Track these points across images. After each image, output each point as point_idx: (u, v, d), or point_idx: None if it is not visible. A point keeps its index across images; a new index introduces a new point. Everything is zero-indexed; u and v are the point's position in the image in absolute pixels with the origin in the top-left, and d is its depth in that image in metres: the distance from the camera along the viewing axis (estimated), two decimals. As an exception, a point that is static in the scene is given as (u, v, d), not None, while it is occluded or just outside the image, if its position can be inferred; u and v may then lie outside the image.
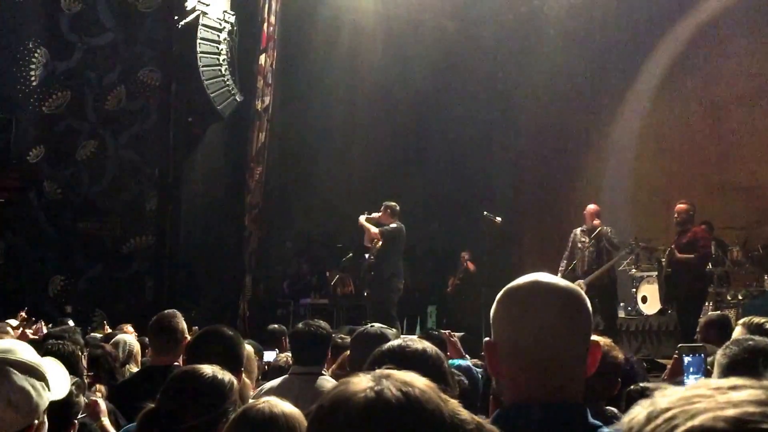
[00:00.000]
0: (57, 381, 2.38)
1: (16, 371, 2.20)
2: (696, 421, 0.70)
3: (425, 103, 16.13)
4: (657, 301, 11.99)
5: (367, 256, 12.08)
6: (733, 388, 0.73)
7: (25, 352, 2.29)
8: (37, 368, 2.26)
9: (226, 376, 2.74)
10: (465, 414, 1.22)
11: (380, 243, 11.63)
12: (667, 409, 0.73)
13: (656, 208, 14.51)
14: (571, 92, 15.48)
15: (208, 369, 2.74)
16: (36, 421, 2.24)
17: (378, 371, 1.24)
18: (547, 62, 15.14)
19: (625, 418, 0.79)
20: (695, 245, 10.60)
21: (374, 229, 11.67)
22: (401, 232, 11.72)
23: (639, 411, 0.77)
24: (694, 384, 0.77)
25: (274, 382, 4.76)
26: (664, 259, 11.10)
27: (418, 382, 1.21)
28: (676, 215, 10.81)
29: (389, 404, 1.16)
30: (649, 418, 0.75)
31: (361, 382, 1.20)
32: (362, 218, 11.87)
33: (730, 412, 0.69)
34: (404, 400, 1.17)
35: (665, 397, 0.76)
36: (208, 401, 2.63)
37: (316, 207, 15.35)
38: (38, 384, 2.23)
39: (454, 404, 1.23)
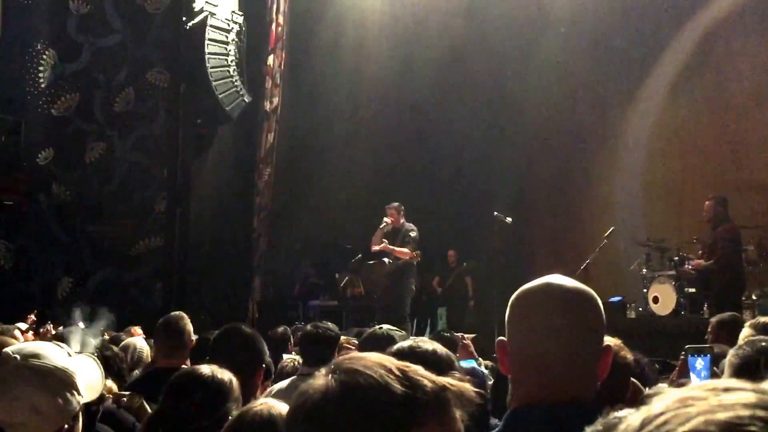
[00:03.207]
0: (89, 381, 2.37)
1: (42, 378, 2.19)
2: (687, 426, 0.70)
3: (431, 103, 16.08)
4: (669, 301, 11.92)
5: (386, 261, 12.04)
6: (726, 390, 0.73)
7: (55, 356, 2.27)
8: (65, 374, 2.25)
9: (225, 374, 2.74)
10: (426, 379, 1.22)
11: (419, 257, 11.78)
12: (661, 414, 0.73)
13: (669, 207, 14.43)
14: (581, 91, 15.42)
15: (206, 369, 2.74)
16: (65, 426, 2.23)
17: (333, 362, 1.27)
18: (556, 61, 15.07)
19: (621, 425, 0.79)
20: (715, 249, 10.67)
21: (407, 251, 11.69)
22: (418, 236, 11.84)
23: (635, 417, 0.77)
24: (691, 386, 0.77)
25: (282, 384, 4.77)
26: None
27: (365, 365, 1.23)
28: (704, 213, 10.94)
29: (331, 401, 1.19)
30: (643, 424, 0.75)
31: (315, 382, 1.24)
32: (388, 246, 11.82)
33: (722, 415, 0.70)
34: (342, 392, 1.19)
35: (661, 401, 0.75)
36: (211, 401, 2.63)
37: (323, 208, 15.32)
38: (66, 391, 2.23)
39: (414, 371, 1.23)
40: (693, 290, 11.91)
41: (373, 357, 1.26)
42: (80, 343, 4.85)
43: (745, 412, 0.69)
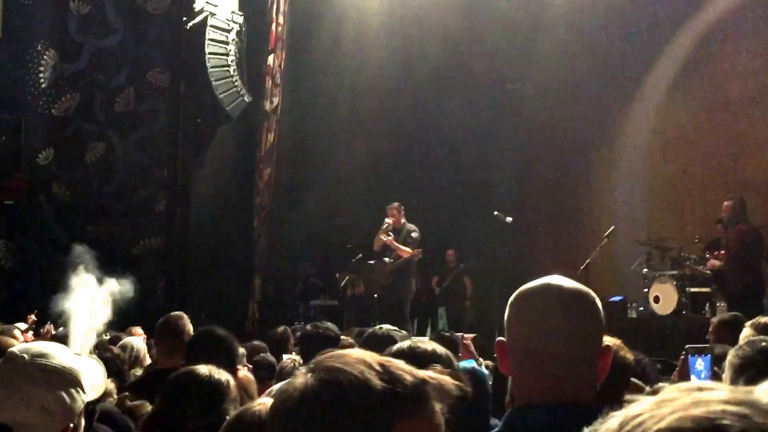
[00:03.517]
0: (93, 381, 2.38)
1: (50, 377, 2.20)
2: (663, 424, 0.74)
3: (431, 102, 16.07)
4: (670, 301, 11.92)
5: (387, 260, 12.02)
6: (699, 389, 0.77)
7: (60, 355, 2.29)
8: (71, 373, 2.26)
9: (222, 375, 2.73)
10: (406, 373, 1.22)
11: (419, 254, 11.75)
12: (638, 415, 0.77)
13: (669, 206, 14.42)
14: (580, 90, 15.39)
15: (204, 369, 2.73)
16: (71, 425, 2.24)
17: (312, 361, 1.27)
18: (555, 59, 15.05)
19: (601, 429, 0.82)
20: (730, 249, 10.73)
21: (409, 250, 11.68)
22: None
23: (614, 420, 0.80)
24: (667, 389, 0.80)
25: (282, 384, 4.75)
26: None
27: (345, 362, 1.23)
28: (722, 213, 11.02)
29: (312, 398, 1.19)
30: (621, 425, 0.78)
31: (294, 381, 1.24)
32: (393, 242, 11.82)
33: (695, 411, 0.73)
34: (322, 389, 1.19)
35: (638, 404, 0.79)
36: (207, 402, 2.63)
37: (323, 208, 15.31)
38: (72, 389, 2.23)
39: (395, 366, 1.23)
40: (706, 290, 11.95)
41: (354, 354, 1.27)
42: (80, 344, 4.85)
43: (718, 407, 0.73)
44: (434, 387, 1.23)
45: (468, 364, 4.39)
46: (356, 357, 1.24)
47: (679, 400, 0.76)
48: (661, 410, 0.75)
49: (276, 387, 4.79)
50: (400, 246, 11.75)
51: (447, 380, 1.26)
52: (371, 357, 1.25)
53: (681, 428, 0.73)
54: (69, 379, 2.25)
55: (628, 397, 3.29)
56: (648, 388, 3.73)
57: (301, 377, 1.23)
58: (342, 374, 1.20)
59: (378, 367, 1.21)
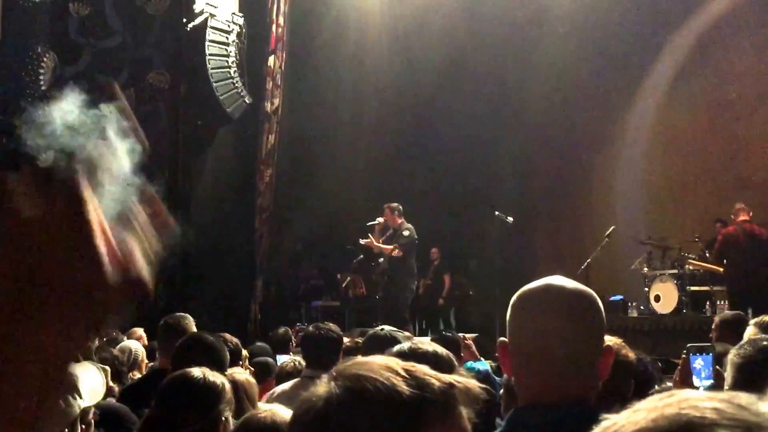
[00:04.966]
0: (90, 386, 2.37)
1: None
2: (639, 425, 0.77)
3: (432, 103, 16.06)
4: (671, 299, 11.94)
5: (380, 260, 12.02)
6: (671, 395, 0.80)
7: None
8: (67, 378, 2.26)
9: (217, 377, 2.72)
10: (433, 378, 1.20)
11: (401, 254, 11.63)
12: (615, 423, 0.80)
13: (669, 206, 14.43)
14: (580, 91, 15.40)
15: (197, 372, 2.72)
16: (66, 430, 2.24)
17: (334, 369, 1.24)
18: (556, 60, 15.05)
19: None
20: None
21: (389, 247, 11.63)
22: (415, 237, 11.72)
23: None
24: (645, 400, 0.83)
25: (285, 386, 4.76)
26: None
27: (369, 369, 1.20)
28: None
29: (337, 408, 1.16)
30: None
31: (317, 390, 1.21)
32: (373, 242, 11.80)
33: (668, 411, 0.76)
34: (348, 398, 1.17)
35: (619, 415, 0.82)
36: (202, 404, 2.62)
37: (324, 209, 15.30)
38: (68, 395, 2.23)
39: (421, 371, 1.20)
40: (706, 289, 12.07)
41: (377, 360, 1.24)
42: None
43: (689, 404, 0.76)
44: (461, 391, 1.21)
45: (483, 366, 4.40)
46: (380, 363, 1.21)
47: (653, 404, 0.79)
48: (637, 416, 0.78)
49: (278, 389, 4.79)
50: (380, 245, 11.74)
51: (473, 384, 1.24)
52: (396, 363, 1.22)
53: (656, 427, 0.75)
54: (65, 383, 2.25)
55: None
56: (657, 388, 3.71)
57: (324, 386, 1.20)
58: (368, 381, 1.17)
59: (404, 373, 1.18)
